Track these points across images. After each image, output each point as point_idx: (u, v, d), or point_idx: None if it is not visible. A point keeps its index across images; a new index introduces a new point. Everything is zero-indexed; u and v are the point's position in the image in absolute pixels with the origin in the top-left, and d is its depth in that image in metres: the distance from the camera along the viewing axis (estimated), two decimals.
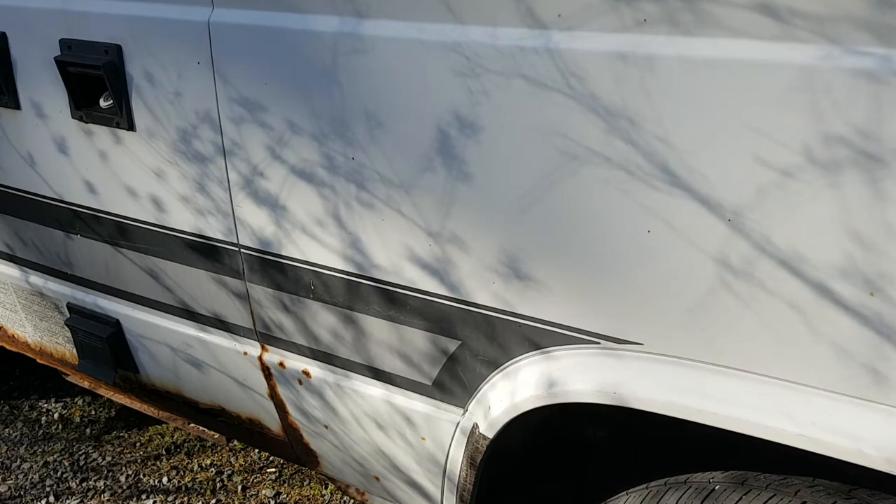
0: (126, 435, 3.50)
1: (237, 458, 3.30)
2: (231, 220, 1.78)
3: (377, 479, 1.93)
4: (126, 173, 1.92)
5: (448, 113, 1.30)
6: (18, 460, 3.33)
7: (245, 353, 1.97)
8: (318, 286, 1.69)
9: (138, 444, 3.43)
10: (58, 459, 3.34)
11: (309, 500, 3.05)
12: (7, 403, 3.73)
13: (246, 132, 1.63)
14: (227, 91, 1.61)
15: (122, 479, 3.19)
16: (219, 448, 3.37)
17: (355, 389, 1.78)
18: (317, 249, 1.65)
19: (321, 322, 1.74)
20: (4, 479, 3.22)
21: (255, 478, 3.17)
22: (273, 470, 3.21)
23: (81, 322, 2.29)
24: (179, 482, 3.15)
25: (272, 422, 2.08)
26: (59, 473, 3.26)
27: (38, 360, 2.77)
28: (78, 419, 3.62)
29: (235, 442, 3.24)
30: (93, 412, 3.68)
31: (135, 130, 1.83)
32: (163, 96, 1.73)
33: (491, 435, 1.49)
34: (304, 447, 2.06)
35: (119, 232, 2.03)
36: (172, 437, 3.47)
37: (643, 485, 1.37)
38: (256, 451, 3.32)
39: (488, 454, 1.53)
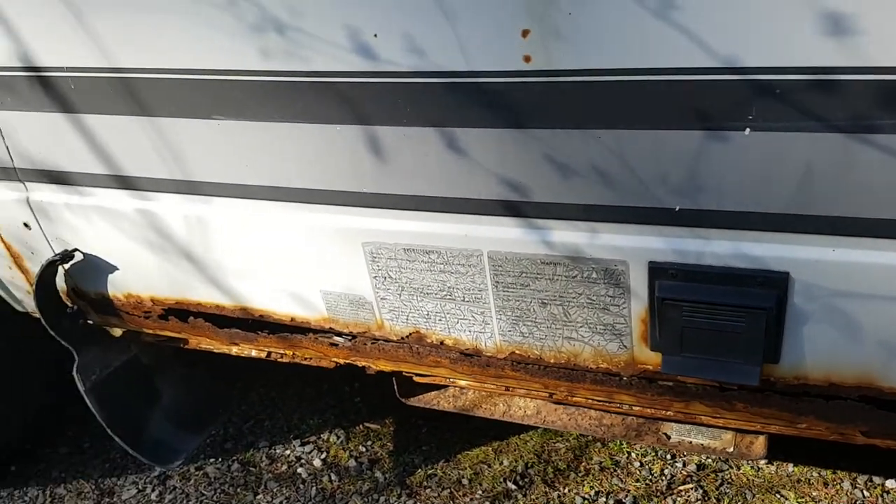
0: (437, 472, 2.52)
1: (629, 478, 2.39)
2: None
3: None
4: None
5: None
6: None
7: None
8: None
9: (466, 482, 2.46)
10: None
11: None
12: (232, 458, 2.66)
13: None
14: None
15: None
16: (592, 467, 2.45)
17: None
18: None
19: None
20: None
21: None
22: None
23: (692, 290, 1.35)
24: None
25: None
26: None
27: (482, 384, 1.78)
28: (352, 462, 2.60)
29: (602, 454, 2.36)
30: (361, 448, 2.68)
31: None
32: None
33: None
34: None
35: None
36: (500, 462, 2.52)
37: None
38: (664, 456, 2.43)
39: None
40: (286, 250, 1.70)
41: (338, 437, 2.74)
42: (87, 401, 2.03)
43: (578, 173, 1.35)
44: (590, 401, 1.74)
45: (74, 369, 2.02)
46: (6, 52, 1.65)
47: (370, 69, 1.39)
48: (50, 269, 1.91)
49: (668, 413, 1.66)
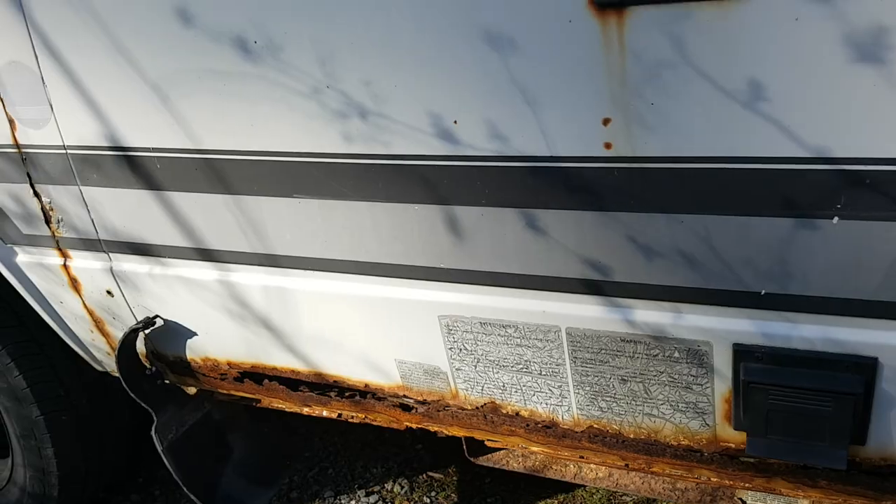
0: None
1: None
2: None
3: None
4: None
5: None
6: None
7: None
8: None
9: None
10: None
11: None
12: None
13: None
14: None
15: None
16: None
17: None
18: None
19: None
20: None
21: None
22: None
23: (778, 373, 1.34)
24: None
25: None
26: None
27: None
28: None
29: None
30: (425, 498, 2.68)
31: None
32: None
33: None
34: None
35: None
36: None
37: None
38: None
39: None
40: (362, 321, 1.73)
41: (402, 487, 2.75)
42: (165, 460, 2.08)
43: (661, 255, 1.35)
44: (667, 472, 1.72)
45: (153, 430, 2.08)
46: (94, 133, 1.72)
47: (450, 153, 1.42)
48: (132, 335, 1.98)
49: (748, 486, 1.64)
